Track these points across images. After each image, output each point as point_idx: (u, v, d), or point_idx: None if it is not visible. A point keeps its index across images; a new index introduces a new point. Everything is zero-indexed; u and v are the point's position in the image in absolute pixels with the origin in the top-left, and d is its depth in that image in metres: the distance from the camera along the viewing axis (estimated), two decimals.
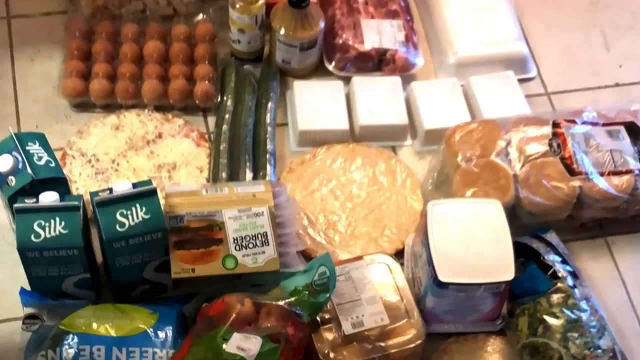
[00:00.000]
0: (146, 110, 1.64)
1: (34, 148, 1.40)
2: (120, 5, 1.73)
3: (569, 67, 1.81)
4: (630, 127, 1.58)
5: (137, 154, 1.58)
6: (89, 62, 1.67)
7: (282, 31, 1.65)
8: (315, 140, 1.63)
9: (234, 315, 1.28)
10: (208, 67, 1.68)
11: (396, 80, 1.70)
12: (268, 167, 1.57)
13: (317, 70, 1.74)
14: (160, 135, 1.61)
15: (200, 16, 1.75)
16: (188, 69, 1.68)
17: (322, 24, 1.67)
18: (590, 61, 1.83)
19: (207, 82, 1.65)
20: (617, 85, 1.80)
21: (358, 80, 1.69)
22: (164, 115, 1.64)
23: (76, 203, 1.34)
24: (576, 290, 1.43)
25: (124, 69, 1.65)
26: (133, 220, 1.33)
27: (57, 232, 1.31)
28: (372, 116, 1.64)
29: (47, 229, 1.31)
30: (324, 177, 1.58)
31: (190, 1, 1.76)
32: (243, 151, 1.59)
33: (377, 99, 1.67)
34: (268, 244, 1.37)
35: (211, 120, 1.66)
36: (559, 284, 1.43)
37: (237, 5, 1.64)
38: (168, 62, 1.69)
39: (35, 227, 1.31)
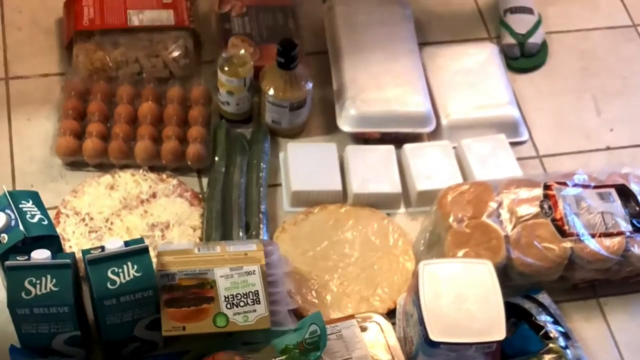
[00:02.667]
0: (141, 170, 1.65)
1: (27, 206, 1.41)
2: (117, 68, 1.76)
3: (561, 130, 1.83)
4: (621, 190, 1.59)
5: (130, 213, 1.59)
6: (83, 122, 1.69)
7: (272, 92, 1.68)
8: (309, 200, 1.64)
9: None
10: (201, 129, 1.69)
11: (390, 148, 1.72)
12: (260, 226, 1.58)
13: (306, 129, 1.76)
14: (154, 195, 1.62)
15: (196, 79, 1.77)
16: (181, 130, 1.70)
17: (310, 84, 1.70)
18: (582, 125, 1.85)
19: (199, 143, 1.67)
20: (608, 148, 1.81)
21: (352, 148, 1.71)
22: (159, 176, 1.65)
23: (68, 261, 1.34)
24: (568, 351, 1.43)
25: (117, 129, 1.67)
26: (124, 278, 1.33)
27: (48, 290, 1.31)
28: (366, 184, 1.66)
29: (38, 286, 1.31)
30: (317, 237, 1.59)
31: (186, 64, 1.78)
32: (235, 211, 1.60)
33: (371, 167, 1.68)
34: (259, 303, 1.37)
35: (205, 180, 1.67)
36: (551, 345, 1.43)
37: (226, 68, 1.66)
38: (162, 123, 1.71)
39: (26, 285, 1.31)
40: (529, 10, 1.93)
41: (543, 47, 1.93)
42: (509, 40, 1.91)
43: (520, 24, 1.92)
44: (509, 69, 1.90)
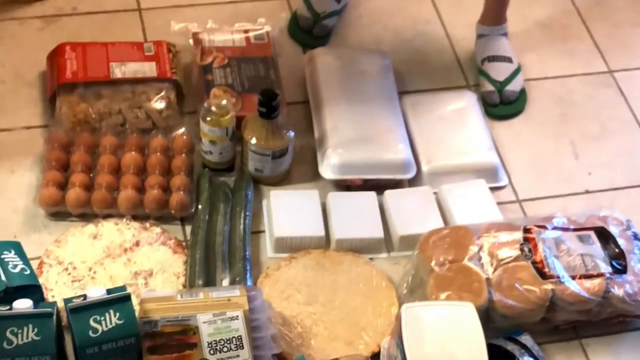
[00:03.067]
0: (124, 219, 1.66)
1: (9, 256, 1.42)
2: (100, 119, 1.77)
3: (539, 175, 1.86)
4: (600, 232, 1.61)
5: (114, 262, 1.59)
6: (66, 173, 1.70)
7: (254, 141, 1.69)
8: (292, 246, 1.65)
9: None
10: (184, 177, 1.71)
11: (372, 194, 1.73)
12: (244, 272, 1.59)
13: (289, 177, 1.78)
14: (137, 244, 1.62)
15: (179, 130, 1.79)
16: (165, 179, 1.71)
17: (292, 133, 1.72)
18: (560, 169, 1.87)
19: (182, 192, 1.68)
20: (586, 192, 1.84)
21: (334, 195, 1.73)
22: (142, 224, 1.66)
23: (49, 310, 1.34)
24: None
25: (101, 179, 1.68)
26: (106, 325, 1.33)
27: (30, 339, 1.31)
28: (348, 230, 1.67)
29: (19, 336, 1.31)
30: (300, 281, 1.60)
31: (169, 115, 1.80)
32: (219, 258, 1.61)
33: (353, 213, 1.70)
34: (243, 348, 1.37)
35: (188, 228, 1.68)
36: None
37: (208, 118, 1.68)
38: (145, 173, 1.72)
39: (8, 334, 1.31)
40: (507, 59, 1.97)
41: (522, 95, 1.96)
42: (488, 87, 1.94)
43: (498, 71, 1.95)
44: (489, 116, 1.93)
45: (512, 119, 1.95)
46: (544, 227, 1.59)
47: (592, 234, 1.61)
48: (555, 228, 1.60)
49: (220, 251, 1.62)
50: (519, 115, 1.95)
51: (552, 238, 1.57)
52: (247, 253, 1.62)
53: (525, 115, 1.96)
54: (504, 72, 1.94)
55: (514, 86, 1.94)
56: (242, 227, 1.66)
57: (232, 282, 1.58)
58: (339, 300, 1.58)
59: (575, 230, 1.60)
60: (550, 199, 1.81)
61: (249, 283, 1.58)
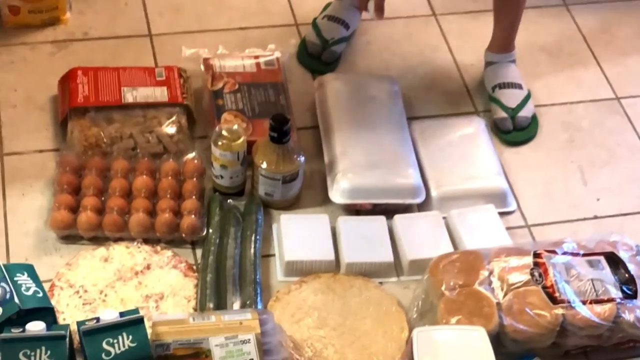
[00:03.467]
0: (135, 243, 1.66)
1: (22, 279, 1.42)
2: (111, 143, 1.78)
3: (548, 200, 1.86)
4: (610, 257, 1.62)
5: (125, 285, 1.60)
6: (78, 196, 1.71)
7: (265, 165, 1.70)
8: (302, 270, 1.65)
9: None
10: (195, 201, 1.71)
11: (381, 219, 1.74)
12: (254, 296, 1.59)
13: (299, 201, 1.79)
14: (148, 267, 1.63)
15: (190, 154, 1.80)
16: (175, 203, 1.71)
17: (302, 158, 1.73)
18: (569, 195, 1.88)
19: (193, 216, 1.69)
20: (595, 217, 1.84)
21: (344, 219, 1.73)
22: (153, 248, 1.66)
23: (62, 332, 1.34)
24: None
25: (112, 202, 1.69)
26: (119, 348, 1.33)
27: None
28: (358, 254, 1.68)
29: (32, 359, 1.31)
30: (311, 305, 1.60)
31: (180, 139, 1.81)
32: (230, 281, 1.61)
33: (363, 237, 1.70)
34: None
35: (199, 251, 1.68)
36: None
37: (219, 143, 1.70)
38: (156, 196, 1.73)
39: (21, 357, 1.31)
40: (517, 86, 1.98)
41: (533, 120, 1.97)
42: (501, 114, 1.95)
43: (510, 98, 1.96)
44: (502, 143, 1.93)
45: (524, 145, 1.95)
46: (554, 252, 1.60)
47: (602, 259, 1.61)
48: (565, 253, 1.60)
49: (231, 275, 1.63)
50: (531, 141, 1.96)
51: (562, 263, 1.58)
52: (257, 277, 1.63)
53: (533, 141, 1.97)
54: (515, 99, 1.95)
55: (526, 112, 1.95)
56: (252, 250, 1.67)
57: (243, 306, 1.58)
58: (349, 324, 1.58)
59: (585, 255, 1.61)
60: (559, 224, 1.82)
61: (260, 306, 1.58)
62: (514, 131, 1.95)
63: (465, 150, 1.87)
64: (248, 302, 1.58)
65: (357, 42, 2.10)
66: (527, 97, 1.96)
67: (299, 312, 1.59)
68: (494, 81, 1.98)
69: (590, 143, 1.98)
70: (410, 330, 1.48)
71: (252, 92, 1.87)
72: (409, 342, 1.42)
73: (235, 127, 1.72)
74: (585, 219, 1.84)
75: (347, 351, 1.54)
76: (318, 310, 1.60)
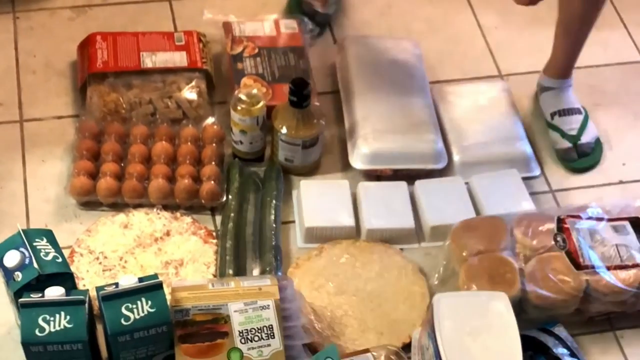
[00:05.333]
0: (155, 209, 1.66)
1: (41, 244, 1.41)
2: (131, 109, 1.77)
3: None
4: (635, 223, 1.59)
5: (144, 251, 1.59)
6: (97, 162, 1.70)
7: (284, 130, 1.69)
8: (322, 236, 1.64)
9: None
10: (214, 167, 1.70)
11: (402, 184, 1.72)
12: (274, 262, 1.58)
13: (319, 167, 1.78)
14: (168, 233, 1.62)
15: (209, 119, 1.78)
16: (195, 169, 1.70)
17: (322, 122, 1.71)
18: None
19: (212, 182, 1.68)
20: (620, 182, 1.81)
21: (364, 185, 1.71)
22: (172, 214, 1.66)
23: (82, 297, 1.34)
24: None
25: (131, 168, 1.68)
26: (138, 313, 1.33)
27: (62, 327, 1.31)
28: (379, 220, 1.66)
29: (51, 323, 1.31)
30: (331, 272, 1.59)
31: (199, 105, 1.79)
32: (249, 248, 1.60)
33: (384, 203, 1.68)
34: (274, 337, 1.36)
35: (219, 218, 1.67)
36: None
37: (239, 108, 1.68)
38: (175, 162, 1.72)
39: (40, 322, 1.31)
40: (577, 111, 1.86)
41: (597, 145, 1.86)
42: (563, 144, 1.84)
43: (570, 124, 1.84)
44: (568, 170, 1.83)
45: (591, 170, 1.85)
46: (578, 217, 1.57)
47: (627, 224, 1.59)
48: (589, 218, 1.58)
49: (251, 241, 1.62)
50: (597, 165, 1.85)
51: (587, 228, 1.56)
52: (277, 243, 1.62)
53: None
54: (575, 124, 1.84)
55: (588, 137, 1.84)
56: (272, 217, 1.65)
57: (262, 272, 1.57)
58: (370, 291, 1.57)
59: (610, 220, 1.58)
60: (584, 189, 1.79)
61: (279, 273, 1.57)
62: (579, 158, 1.84)
63: (488, 115, 1.84)
64: (268, 269, 1.57)
65: (378, 5, 2.07)
66: (586, 118, 1.85)
67: (319, 279, 1.58)
68: (552, 108, 1.86)
69: (615, 107, 1.95)
70: (431, 297, 1.46)
71: (271, 56, 1.85)
72: (430, 308, 1.40)
73: (255, 91, 1.70)
74: (610, 183, 1.81)
75: (368, 318, 1.53)
76: (338, 277, 1.58)
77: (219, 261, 1.59)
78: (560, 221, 1.56)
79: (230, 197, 1.68)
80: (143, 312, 1.33)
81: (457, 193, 1.71)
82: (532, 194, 1.74)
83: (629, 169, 1.83)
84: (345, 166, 1.77)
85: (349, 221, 1.65)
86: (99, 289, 1.36)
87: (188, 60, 1.82)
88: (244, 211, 1.66)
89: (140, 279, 1.36)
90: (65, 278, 1.39)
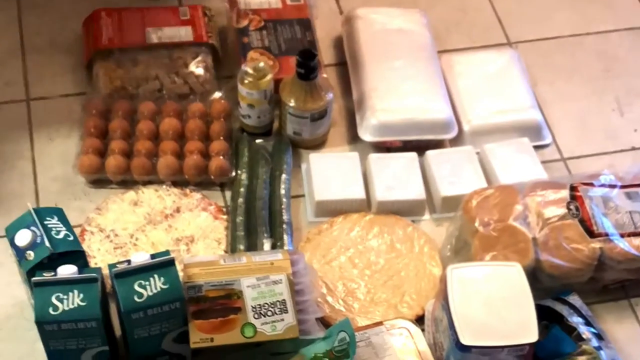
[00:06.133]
0: (164, 186, 1.65)
1: (52, 222, 1.41)
2: (137, 85, 1.76)
3: (584, 132, 1.82)
4: None
5: (155, 228, 1.59)
6: (105, 140, 1.69)
7: (292, 103, 1.67)
8: (332, 210, 1.63)
9: None
10: (223, 143, 1.69)
11: (413, 155, 1.71)
12: (285, 237, 1.58)
13: (328, 140, 1.76)
14: (178, 210, 1.62)
15: (216, 94, 1.77)
16: (203, 145, 1.69)
17: (330, 95, 1.69)
18: (605, 126, 1.83)
19: (221, 157, 1.67)
20: (633, 149, 1.80)
21: (374, 157, 1.70)
22: (182, 190, 1.65)
23: (94, 275, 1.34)
24: (602, 352, 1.40)
25: (140, 145, 1.67)
26: (151, 290, 1.32)
27: (75, 305, 1.31)
28: (390, 192, 1.65)
29: (65, 302, 1.31)
30: (342, 245, 1.58)
31: (206, 79, 1.78)
32: (260, 223, 1.60)
33: (394, 174, 1.67)
34: (287, 312, 1.36)
35: (228, 194, 1.67)
36: (584, 346, 1.41)
37: (246, 81, 1.66)
38: (184, 138, 1.71)
39: (53, 300, 1.30)
40: None
41: None
42: None
43: None
44: None
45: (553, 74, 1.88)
46: (591, 185, 1.56)
47: None
48: (602, 185, 1.56)
49: (261, 216, 1.61)
50: None
51: (600, 195, 1.54)
52: (287, 217, 1.61)
53: (568, 72, 1.92)
54: None
55: None
56: (282, 191, 1.65)
57: (273, 247, 1.57)
58: (382, 264, 1.57)
59: (623, 187, 1.57)
60: (596, 157, 1.78)
61: (291, 248, 1.57)
62: None
63: (498, 83, 1.82)
64: (278, 244, 1.56)
65: None
66: None
67: (330, 253, 1.57)
68: None
69: (626, 72, 1.92)
70: (444, 269, 1.45)
71: (278, 29, 1.83)
72: (443, 279, 1.39)
73: (262, 64, 1.69)
74: (622, 150, 1.79)
75: (380, 290, 1.53)
76: (349, 250, 1.58)
77: (230, 237, 1.58)
78: (572, 189, 1.55)
79: (239, 172, 1.67)
80: (156, 288, 1.32)
81: (468, 163, 1.70)
82: (544, 162, 1.72)
83: None
84: (354, 139, 1.75)
85: (360, 194, 1.64)
86: (111, 266, 1.35)
87: (193, 35, 1.81)
88: (254, 186, 1.65)
89: (153, 256, 1.35)
90: (77, 256, 1.39)
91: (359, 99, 1.77)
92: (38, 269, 1.34)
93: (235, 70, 1.76)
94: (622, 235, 1.50)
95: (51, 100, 1.79)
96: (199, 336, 1.33)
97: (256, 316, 1.35)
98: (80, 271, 1.33)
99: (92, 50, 1.78)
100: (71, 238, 1.39)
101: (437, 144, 1.75)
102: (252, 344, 1.34)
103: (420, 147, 1.73)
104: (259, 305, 1.36)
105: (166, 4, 1.90)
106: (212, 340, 1.33)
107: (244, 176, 1.66)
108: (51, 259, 1.36)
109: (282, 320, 1.35)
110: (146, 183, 1.66)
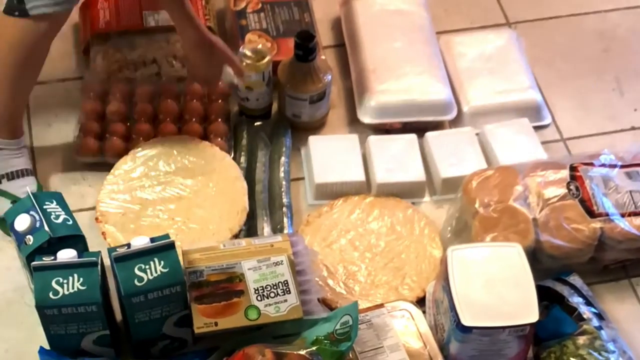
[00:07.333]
0: None
1: (52, 207, 1.41)
2: (135, 69, 1.75)
3: (584, 112, 1.82)
4: None
5: None
6: (103, 123, 1.69)
7: (291, 85, 1.66)
8: (332, 192, 1.63)
9: None
10: (222, 125, 1.69)
11: (412, 137, 1.70)
12: (285, 220, 1.57)
13: (327, 122, 1.76)
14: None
15: None
16: (202, 127, 1.69)
17: (329, 76, 1.69)
18: (605, 106, 1.83)
19: (220, 139, 1.66)
20: (632, 128, 1.79)
21: (374, 139, 1.69)
22: None
23: (94, 259, 1.33)
24: (603, 332, 1.41)
25: (138, 128, 1.66)
26: (152, 274, 1.32)
27: (76, 289, 1.31)
28: (389, 174, 1.64)
29: (65, 286, 1.31)
30: (342, 228, 1.58)
31: None
32: (259, 206, 1.59)
33: (394, 156, 1.67)
34: (289, 292, 1.36)
35: None
36: (585, 326, 1.41)
37: (244, 64, 1.66)
38: (182, 120, 1.70)
39: (54, 284, 1.30)
40: None
41: None
42: None
43: None
44: None
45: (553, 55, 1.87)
46: (591, 165, 1.56)
47: None
48: (602, 165, 1.56)
49: (261, 199, 1.60)
50: None
51: (600, 175, 1.54)
52: (287, 200, 1.61)
53: (567, 52, 1.91)
54: None
55: None
56: (281, 174, 1.64)
57: (274, 230, 1.56)
58: (382, 246, 1.56)
59: (623, 167, 1.57)
60: (596, 137, 1.77)
61: (290, 231, 1.56)
62: None
63: (497, 64, 1.81)
64: (279, 227, 1.56)
65: None
66: None
67: (330, 236, 1.57)
68: None
69: (626, 52, 1.92)
70: (445, 250, 1.45)
71: (275, 11, 1.82)
72: (444, 261, 1.39)
73: (260, 46, 1.68)
74: (622, 130, 1.79)
75: (381, 272, 1.53)
76: (350, 232, 1.57)
77: None
78: (573, 169, 1.55)
79: (238, 154, 1.67)
80: (156, 272, 1.32)
81: (468, 144, 1.69)
82: (544, 142, 1.72)
83: None
84: (353, 120, 1.75)
85: (360, 176, 1.64)
86: (110, 250, 1.35)
87: None
88: (253, 169, 1.65)
89: (152, 239, 1.35)
90: (77, 240, 1.39)
91: (357, 81, 1.76)
92: (38, 254, 1.34)
93: (233, 52, 1.75)
94: (622, 215, 1.50)
95: (49, 85, 1.78)
96: (202, 321, 1.33)
97: (259, 298, 1.35)
98: (79, 255, 1.33)
99: (90, 34, 1.77)
100: (70, 222, 1.39)
101: (437, 126, 1.74)
102: (254, 327, 1.34)
103: (419, 129, 1.72)
104: (262, 287, 1.36)
105: None
106: (216, 324, 1.33)
107: (242, 159, 1.66)
108: (50, 243, 1.36)
109: (285, 301, 1.35)
110: None
